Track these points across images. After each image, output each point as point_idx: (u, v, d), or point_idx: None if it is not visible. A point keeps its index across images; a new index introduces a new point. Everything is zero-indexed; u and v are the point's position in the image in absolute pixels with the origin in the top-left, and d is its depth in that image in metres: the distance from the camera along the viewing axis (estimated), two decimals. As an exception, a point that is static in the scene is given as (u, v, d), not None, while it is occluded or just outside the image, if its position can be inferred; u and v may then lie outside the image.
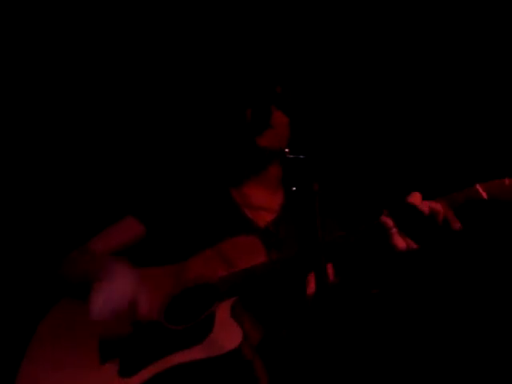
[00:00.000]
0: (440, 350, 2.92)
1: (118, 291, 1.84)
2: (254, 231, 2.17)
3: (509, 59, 2.85)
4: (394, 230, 1.81)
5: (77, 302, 2.03)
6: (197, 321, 1.89)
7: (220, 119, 2.38)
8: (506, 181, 1.80)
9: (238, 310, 1.90)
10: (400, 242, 1.80)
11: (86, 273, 2.02)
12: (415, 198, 1.83)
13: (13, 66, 2.88)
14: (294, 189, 1.74)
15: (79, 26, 2.89)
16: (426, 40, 2.95)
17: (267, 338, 1.97)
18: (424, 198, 1.84)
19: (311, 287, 1.98)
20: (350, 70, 2.95)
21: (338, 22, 2.92)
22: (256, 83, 2.20)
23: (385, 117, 2.98)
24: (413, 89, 2.98)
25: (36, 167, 2.92)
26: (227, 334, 1.83)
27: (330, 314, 1.56)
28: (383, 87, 2.98)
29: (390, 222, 1.81)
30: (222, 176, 2.36)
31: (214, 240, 2.09)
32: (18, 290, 2.79)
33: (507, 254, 2.85)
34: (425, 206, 1.79)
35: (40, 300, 2.29)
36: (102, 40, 2.93)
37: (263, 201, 2.29)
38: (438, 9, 2.90)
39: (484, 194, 1.80)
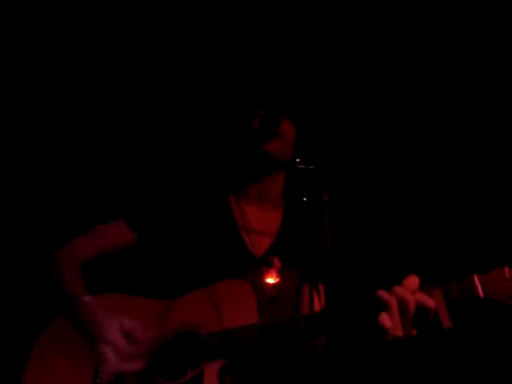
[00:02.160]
0: None
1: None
2: (249, 260, 2.13)
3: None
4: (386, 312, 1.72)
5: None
6: (187, 379, 1.83)
7: (226, 124, 2.36)
8: (506, 271, 1.73)
9: (226, 379, 1.85)
10: (387, 323, 1.70)
11: (62, 296, 2.02)
12: (410, 284, 1.74)
13: (12, 65, 2.86)
14: (305, 199, 1.72)
15: (81, 27, 2.87)
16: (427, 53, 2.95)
17: None
18: (423, 280, 1.77)
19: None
20: (361, 82, 2.93)
21: (348, 35, 2.92)
22: (266, 90, 2.16)
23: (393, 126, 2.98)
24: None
25: (30, 165, 2.88)
26: None
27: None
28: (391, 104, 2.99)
29: (385, 296, 1.74)
30: (224, 187, 2.30)
31: (207, 265, 2.06)
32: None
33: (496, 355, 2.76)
34: (412, 304, 1.69)
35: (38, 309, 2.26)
36: (108, 41, 2.91)
37: (262, 223, 2.22)
38: (437, 13, 2.90)
39: (480, 291, 1.72)
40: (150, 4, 2.88)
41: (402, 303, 1.69)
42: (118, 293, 2.09)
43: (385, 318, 1.68)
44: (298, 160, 1.75)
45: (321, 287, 1.87)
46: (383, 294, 1.71)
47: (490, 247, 2.63)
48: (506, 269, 1.73)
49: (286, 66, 2.38)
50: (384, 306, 1.69)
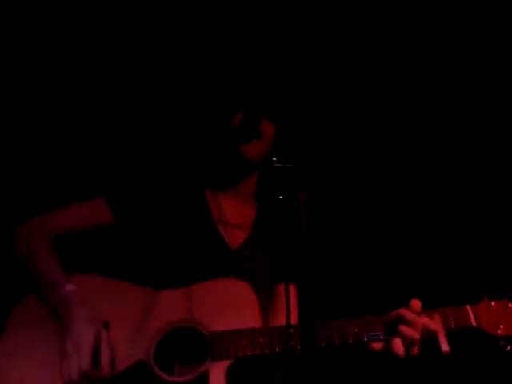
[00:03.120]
0: None
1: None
2: (226, 253, 2.16)
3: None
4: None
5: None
6: (192, 378, 1.82)
7: (207, 120, 2.36)
8: (493, 304, 1.88)
9: (231, 380, 1.85)
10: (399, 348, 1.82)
11: (38, 278, 2.00)
12: (415, 306, 1.85)
13: (12, 65, 2.84)
14: (281, 198, 1.72)
15: (75, 27, 2.87)
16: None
17: None
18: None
19: None
20: (339, 81, 2.96)
21: (329, 37, 2.94)
22: (247, 88, 2.18)
23: (374, 123, 2.99)
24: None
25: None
26: None
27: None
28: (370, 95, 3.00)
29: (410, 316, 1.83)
30: (200, 177, 2.32)
31: (184, 255, 2.08)
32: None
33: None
34: (419, 326, 1.81)
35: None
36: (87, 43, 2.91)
37: (237, 216, 2.26)
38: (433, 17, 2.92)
39: (473, 320, 1.85)
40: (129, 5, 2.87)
41: (412, 325, 1.80)
42: (100, 274, 2.07)
43: (399, 344, 1.80)
44: (274, 159, 1.74)
45: (292, 287, 1.88)
46: (408, 313, 1.82)
47: (472, 277, 2.71)
48: (493, 302, 1.88)
49: (267, 66, 2.39)
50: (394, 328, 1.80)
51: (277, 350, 1.85)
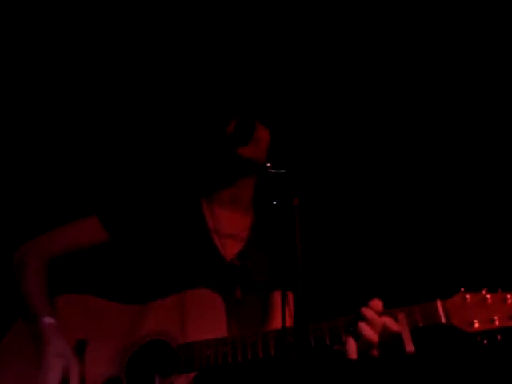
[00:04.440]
0: None
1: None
2: (220, 264, 2.16)
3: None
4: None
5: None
6: None
7: (201, 127, 2.37)
8: (468, 297, 1.77)
9: None
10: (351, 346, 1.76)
11: (24, 305, 2.06)
12: (375, 306, 1.79)
13: (12, 65, 2.85)
14: (275, 203, 1.72)
15: (75, 27, 2.88)
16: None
17: None
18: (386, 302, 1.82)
19: None
20: (333, 87, 2.96)
21: (324, 44, 2.95)
22: (242, 97, 2.19)
23: (369, 129, 3.00)
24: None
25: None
26: None
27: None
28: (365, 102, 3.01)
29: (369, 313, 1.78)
30: (195, 187, 2.32)
31: (178, 267, 2.08)
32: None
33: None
34: (378, 325, 1.75)
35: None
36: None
37: (233, 227, 2.25)
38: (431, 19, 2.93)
39: (443, 316, 1.75)
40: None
41: (371, 324, 1.74)
42: (90, 295, 2.10)
43: (352, 344, 1.74)
44: (268, 164, 1.76)
45: (290, 295, 1.88)
46: (368, 312, 1.76)
47: (451, 271, 2.67)
48: (468, 295, 1.77)
49: (260, 72, 2.40)
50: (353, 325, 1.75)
51: (248, 357, 1.83)
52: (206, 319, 1.92)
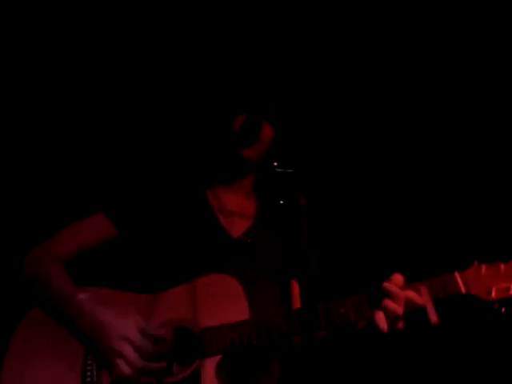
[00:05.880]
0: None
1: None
2: (228, 242, 2.16)
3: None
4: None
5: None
6: (184, 376, 1.85)
7: (206, 125, 2.37)
8: (483, 268, 1.85)
9: (223, 375, 1.87)
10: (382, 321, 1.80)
11: (50, 298, 2.00)
12: (397, 281, 1.83)
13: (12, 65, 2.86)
14: (282, 202, 1.74)
15: (75, 29, 2.88)
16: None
17: None
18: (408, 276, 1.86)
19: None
20: (339, 86, 2.97)
21: (330, 43, 2.95)
22: (249, 95, 2.18)
23: (374, 129, 3.01)
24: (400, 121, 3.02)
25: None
26: None
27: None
28: (373, 103, 3.02)
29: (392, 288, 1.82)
30: (199, 179, 2.33)
31: (187, 253, 2.08)
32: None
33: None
34: (401, 299, 1.80)
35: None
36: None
37: (237, 206, 2.26)
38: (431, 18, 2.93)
39: (462, 286, 1.83)
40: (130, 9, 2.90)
41: (395, 299, 1.79)
42: (99, 286, 2.08)
43: (382, 318, 1.78)
44: (275, 164, 1.77)
45: (295, 284, 1.90)
46: (390, 285, 1.80)
47: (464, 244, 2.70)
48: (483, 266, 1.85)
49: (267, 70, 2.40)
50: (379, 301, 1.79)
51: (275, 336, 1.86)
52: (223, 303, 1.93)
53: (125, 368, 1.82)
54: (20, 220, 2.80)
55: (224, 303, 1.93)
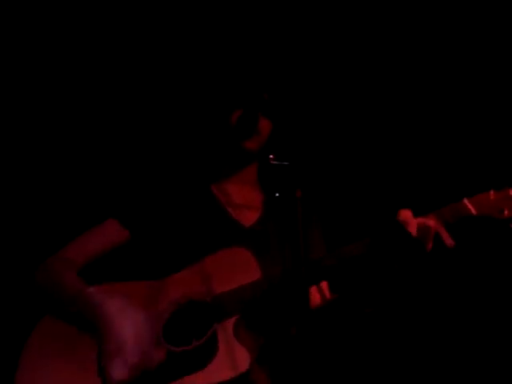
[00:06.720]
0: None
1: (128, 346, 1.85)
2: (240, 233, 2.17)
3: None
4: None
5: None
6: (200, 342, 1.86)
7: (206, 120, 2.38)
8: (491, 193, 1.85)
9: (241, 333, 1.89)
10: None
11: (61, 297, 2.02)
12: (405, 216, 1.86)
13: (12, 65, 2.89)
14: (277, 195, 1.73)
15: (75, 26, 2.91)
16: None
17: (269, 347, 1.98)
18: (414, 213, 1.88)
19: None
20: (336, 78, 2.98)
21: (327, 37, 2.95)
22: (245, 89, 2.21)
23: (371, 124, 3.01)
24: (398, 99, 3.02)
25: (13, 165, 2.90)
26: (234, 357, 1.83)
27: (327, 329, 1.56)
28: (368, 94, 3.01)
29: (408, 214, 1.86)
30: (204, 174, 2.35)
31: (200, 244, 2.09)
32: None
33: (500, 268, 2.84)
34: (414, 226, 1.83)
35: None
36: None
37: (244, 198, 2.28)
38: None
39: (472, 209, 1.83)
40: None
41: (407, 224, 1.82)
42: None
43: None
44: (271, 156, 1.76)
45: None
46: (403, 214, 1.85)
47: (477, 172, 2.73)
48: (492, 191, 1.85)
49: (261, 64, 2.41)
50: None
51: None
52: (234, 269, 1.96)
53: (128, 357, 1.84)
54: (30, 231, 2.83)
55: (235, 269, 1.96)
